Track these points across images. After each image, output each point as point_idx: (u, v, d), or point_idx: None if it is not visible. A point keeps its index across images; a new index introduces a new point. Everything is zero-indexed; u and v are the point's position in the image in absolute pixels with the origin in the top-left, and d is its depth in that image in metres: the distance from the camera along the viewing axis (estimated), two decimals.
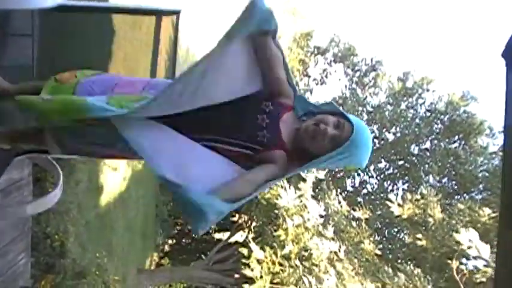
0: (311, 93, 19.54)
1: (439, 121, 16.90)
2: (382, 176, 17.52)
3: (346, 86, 18.56)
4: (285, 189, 11.18)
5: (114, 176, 10.58)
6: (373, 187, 17.62)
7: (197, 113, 2.51)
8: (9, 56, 3.14)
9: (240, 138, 2.52)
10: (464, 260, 11.26)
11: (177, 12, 3.35)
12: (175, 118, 2.51)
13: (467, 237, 9.46)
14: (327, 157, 2.51)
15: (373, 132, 16.70)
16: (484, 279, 9.82)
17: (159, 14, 3.38)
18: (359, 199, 16.21)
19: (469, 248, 9.42)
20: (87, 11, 3.33)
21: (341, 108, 2.66)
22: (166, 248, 19.99)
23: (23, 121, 3.43)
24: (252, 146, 2.51)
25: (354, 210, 12.70)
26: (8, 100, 2.87)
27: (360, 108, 17.00)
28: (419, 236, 11.84)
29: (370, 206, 14.39)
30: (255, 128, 2.53)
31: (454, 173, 15.95)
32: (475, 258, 9.66)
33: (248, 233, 15.99)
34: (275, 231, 11.49)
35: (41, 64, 3.38)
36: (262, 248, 11.24)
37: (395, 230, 15.06)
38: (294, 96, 2.71)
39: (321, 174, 11.67)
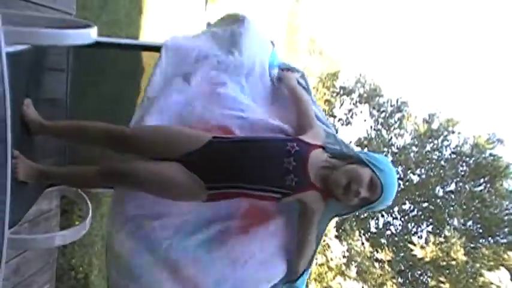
0: (337, 133, 19.45)
1: (464, 163, 16.76)
2: (406, 218, 17.36)
3: (371, 127, 18.50)
4: None
5: None
6: (397, 229, 17.46)
7: (221, 160, 2.56)
8: (44, 90, 3.22)
9: (267, 184, 2.54)
10: None
11: None
12: (198, 165, 2.57)
13: (497, 276, 9.40)
14: (355, 211, 2.60)
15: (398, 173, 16.60)
16: None
17: None
18: (382, 240, 16.08)
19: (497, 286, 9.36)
20: (119, 47, 3.41)
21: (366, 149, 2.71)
22: None
23: (53, 156, 3.51)
24: (280, 191, 2.54)
25: (377, 251, 12.62)
26: (40, 135, 2.93)
27: (385, 149, 16.94)
28: (442, 279, 11.71)
29: (394, 248, 14.28)
30: (281, 172, 2.54)
31: (478, 216, 15.76)
32: None
33: None
34: None
35: (73, 99, 3.46)
36: None
37: (419, 272, 14.89)
38: (325, 133, 2.74)
39: None
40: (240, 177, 2.54)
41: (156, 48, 3.04)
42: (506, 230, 15.34)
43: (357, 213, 16.53)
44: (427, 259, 11.96)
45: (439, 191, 16.93)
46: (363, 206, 2.55)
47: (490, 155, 16.22)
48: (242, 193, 2.54)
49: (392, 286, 11.74)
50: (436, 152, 17.29)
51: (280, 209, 2.69)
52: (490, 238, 15.36)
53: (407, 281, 14.93)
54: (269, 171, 2.55)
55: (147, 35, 8.75)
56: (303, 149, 2.59)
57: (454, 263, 11.66)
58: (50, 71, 3.29)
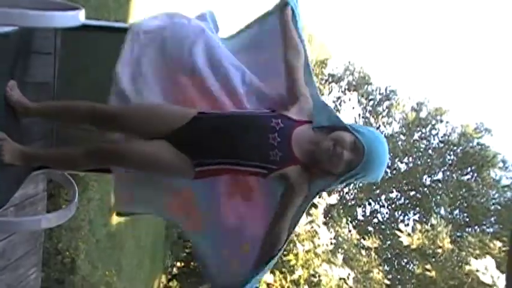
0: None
1: (451, 152, 16.88)
2: (393, 206, 17.48)
3: (359, 115, 18.56)
4: None
5: None
6: (384, 217, 17.58)
7: (206, 136, 2.57)
8: (31, 73, 3.19)
9: (252, 159, 2.55)
10: None
11: None
12: (185, 142, 2.58)
13: (483, 265, 9.46)
14: (342, 179, 2.58)
15: None
16: None
17: None
18: (369, 228, 16.17)
19: (483, 274, 9.43)
20: (107, 30, 3.39)
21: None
22: (175, 270, 19.90)
23: (40, 139, 3.49)
24: (265, 166, 2.55)
25: (364, 239, 12.68)
26: (27, 118, 2.91)
27: None
28: (428, 267, 11.78)
29: (380, 236, 14.36)
30: (266, 148, 2.55)
31: (465, 205, 15.90)
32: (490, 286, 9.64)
33: None
34: (285, 255, 11.46)
35: (61, 82, 3.43)
36: (272, 272, 11.21)
37: (405, 260, 14.99)
38: (311, 105, 2.72)
39: (333, 199, 11.65)
40: (225, 153, 2.56)
41: None
42: (492, 219, 15.47)
43: (344, 200, 16.66)
44: (414, 247, 12.02)
45: (426, 179, 17.05)
46: (349, 172, 2.54)
47: (478, 144, 16.32)
48: (229, 169, 2.56)
49: (379, 273, 11.77)
50: (424, 141, 17.40)
51: (264, 192, 2.72)
52: (476, 227, 15.50)
53: (393, 269, 15.04)
54: (254, 146, 2.56)
55: (137, 19, 8.71)
56: (287, 125, 2.59)
57: (440, 251, 11.72)
58: (37, 54, 3.26)
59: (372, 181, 2.79)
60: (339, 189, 16.74)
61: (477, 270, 9.80)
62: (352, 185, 17.07)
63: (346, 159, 2.50)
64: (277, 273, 11.15)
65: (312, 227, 11.04)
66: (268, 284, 11.03)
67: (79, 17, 2.39)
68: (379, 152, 2.57)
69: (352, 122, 2.73)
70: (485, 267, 9.61)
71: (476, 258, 10.28)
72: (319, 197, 11.45)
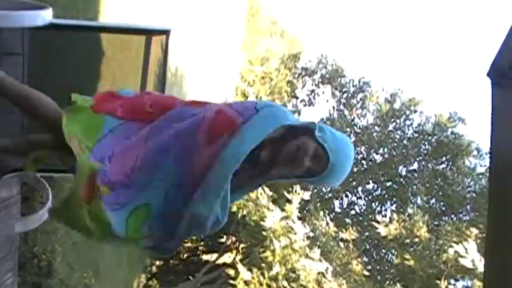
0: (299, 114, 19.62)
1: (426, 142, 16.95)
2: (370, 197, 17.53)
3: (333, 107, 18.60)
4: (270, 210, 11.16)
5: None
6: (361, 208, 17.63)
7: None
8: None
9: None
10: (452, 281, 11.31)
11: (166, 32, 3.35)
12: None
13: (464, 248, 9.54)
14: (297, 180, 2.57)
15: (360, 153, 16.76)
16: None
17: (148, 33, 3.38)
18: (347, 220, 16.21)
19: (462, 257, 9.51)
20: (76, 29, 3.34)
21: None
22: (154, 269, 19.86)
23: (7, 134, 3.43)
24: None
25: (342, 231, 12.71)
26: None
27: (348, 130, 17.02)
28: (407, 256, 11.85)
29: (358, 227, 14.42)
30: None
31: (441, 194, 15.98)
32: (469, 270, 9.74)
33: (236, 254, 15.96)
34: (262, 252, 11.45)
35: (30, 83, 3.38)
36: (249, 270, 11.19)
37: (383, 251, 15.06)
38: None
39: (306, 196, 11.64)
40: None
41: (112, 30, 2.98)
42: (468, 207, 15.59)
43: (321, 193, 16.69)
44: (391, 237, 12.09)
45: (402, 170, 17.13)
46: (307, 177, 2.53)
47: (452, 133, 16.41)
48: None
49: (358, 265, 11.84)
50: (399, 132, 17.45)
51: None
52: (452, 215, 15.60)
53: (372, 260, 15.11)
54: None
55: (106, 19, 8.63)
56: None
57: (417, 240, 11.81)
58: (5, 56, 3.22)
59: (329, 186, 2.79)
60: None
61: (458, 255, 9.87)
62: None
63: (306, 167, 2.47)
64: (255, 270, 11.14)
65: (287, 223, 11.04)
66: (246, 281, 11.02)
67: (46, 16, 2.34)
68: (343, 164, 2.51)
69: (321, 123, 2.63)
70: (465, 250, 9.69)
71: (457, 243, 10.35)
72: (293, 193, 11.46)
